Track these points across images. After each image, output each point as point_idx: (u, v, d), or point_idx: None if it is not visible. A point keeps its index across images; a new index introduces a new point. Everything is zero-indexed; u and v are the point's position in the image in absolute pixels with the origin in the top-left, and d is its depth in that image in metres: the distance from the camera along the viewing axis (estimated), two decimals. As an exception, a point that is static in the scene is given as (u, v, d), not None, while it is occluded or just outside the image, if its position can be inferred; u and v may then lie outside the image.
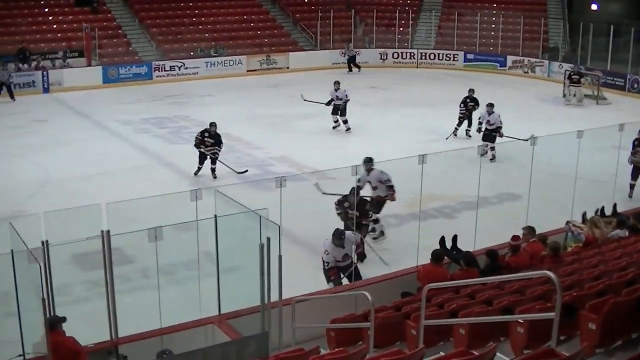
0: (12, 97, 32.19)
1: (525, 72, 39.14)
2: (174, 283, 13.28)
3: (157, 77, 37.30)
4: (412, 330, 9.28)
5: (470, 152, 21.37)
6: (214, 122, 20.69)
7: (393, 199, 16.15)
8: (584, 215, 14.81)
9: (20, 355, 9.04)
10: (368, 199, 15.86)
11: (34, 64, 35.22)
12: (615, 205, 15.80)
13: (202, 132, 20.51)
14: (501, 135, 22.12)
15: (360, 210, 15.06)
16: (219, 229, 10.33)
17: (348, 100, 25.96)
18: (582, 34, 37.01)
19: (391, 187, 16.04)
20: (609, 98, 32.41)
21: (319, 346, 9.12)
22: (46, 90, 34.30)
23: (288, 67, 40.13)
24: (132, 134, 25.94)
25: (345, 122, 25.94)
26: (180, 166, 21.38)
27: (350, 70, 39.77)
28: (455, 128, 24.27)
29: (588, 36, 36.69)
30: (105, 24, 39.12)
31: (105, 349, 9.83)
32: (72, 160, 22.36)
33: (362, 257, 13.83)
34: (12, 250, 8.90)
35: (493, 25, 42.19)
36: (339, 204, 15.50)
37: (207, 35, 40.68)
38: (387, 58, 42.13)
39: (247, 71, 39.37)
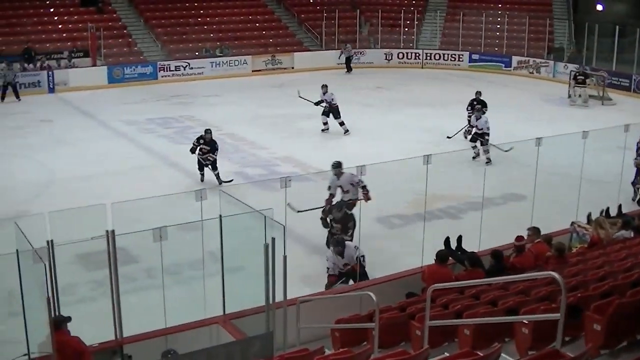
0: (17, 97, 32.26)
1: (530, 73, 39.10)
2: (179, 283, 13.30)
3: (162, 77, 37.35)
4: (416, 330, 9.27)
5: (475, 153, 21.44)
6: (209, 129, 20.44)
7: (368, 199, 15.76)
8: (589, 216, 14.78)
9: (25, 355, 9.05)
10: (352, 214, 15.30)
11: (39, 63, 35.31)
12: (620, 206, 15.78)
13: (198, 139, 20.23)
14: (483, 143, 22.09)
15: (343, 226, 14.93)
16: (223, 229, 10.32)
17: (334, 104, 25.76)
18: (588, 35, 36.92)
19: (365, 187, 15.78)
20: (614, 99, 32.36)
21: (323, 346, 9.12)
22: (51, 90, 34.39)
23: (293, 67, 40.14)
24: (137, 134, 25.96)
25: (341, 124, 25.80)
26: (185, 166, 21.36)
27: (349, 70, 39.74)
28: (466, 130, 24.03)
29: (593, 37, 36.62)
30: (110, 24, 39.19)
31: (110, 348, 9.82)
32: (77, 160, 22.38)
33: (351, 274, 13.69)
34: (17, 250, 8.91)
35: (498, 26, 42.13)
36: (325, 214, 15.45)
37: (212, 35, 40.73)
38: (392, 58, 42.14)
39: (252, 71, 39.39)
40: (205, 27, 41.35)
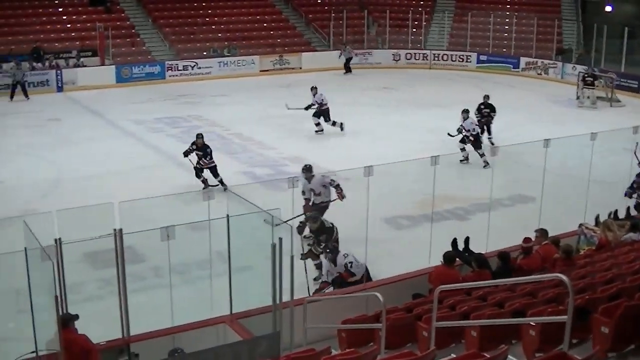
0: (26, 95, 32.34)
1: (538, 74, 39.02)
2: (186, 282, 13.32)
3: (170, 76, 37.38)
4: (423, 331, 9.28)
5: (485, 153, 21.39)
6: (200, 134, 20.06)
7: (343, 197, 15.75)
8: (597, 218, 14.76)
9: (33, 352, 9.08)
10: (331, 226, 14.62)
11: (47, 63, 35.41)
12: (628, 208, 15.77)
13: (191, 144, 19.85)
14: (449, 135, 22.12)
15: (316, 237, 14.31)
16: (231, 229, 10.34)
17: (325, 105, 25.68)
18: (596, 36, 36.84)
19: (338, 186, 15.79)
20: (622, 100, 32.27)
21: (330, 347, 9.12)
22: (60, 89, 34.46)
23: (301, 68, 40.12)
24: (145, 134, 25.99)
25: (333, 124, 25.76)
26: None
27: (347, 71, 39.66)
28: (486, 137, 23.81)
29: (602, 38, 36.53)
30: (118, 23, 39.27)
31: (117, 347, 9.84)
32: (86, 159, 22.43)
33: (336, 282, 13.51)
34: (25, 248, 8.94)
35: (506, 27, 42.06)
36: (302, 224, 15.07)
37: (220, 35, 40.76)
38: (400, 59, 42.11)
39: (260, 71, 39.39)
40: (213, 27, 41.39)
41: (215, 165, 19.64)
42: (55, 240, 8.93)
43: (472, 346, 8.68)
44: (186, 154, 19.66)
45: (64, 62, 35.93)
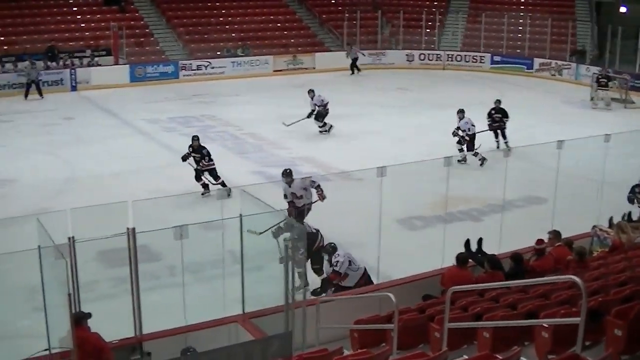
0: (40, 94, 32.48)
1: (552, 75, 38.90)
2: (199, 281, 13.32)
3: (183, 76, 37.44)
4: (435, 332, 9.27)
5: (497, 154, 21.35)
6: (196, 136, 19.83)
7: (323, 197, 15.71)
8: (611, 219, 14.71)
9: (46, 349, 9.12)
10: (314, 232, 14.19)
11: (62, 62, 35.51)
12: (642, 210, 15.72)
13: (188, 147, 19.60)
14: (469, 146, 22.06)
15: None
16: (244, 228, 10.36)
17: (326, 104, 25.62)
18: (611, 37, 36.73)
19: (319, 187, 15.74)
20: (637, 101, 32.17)
21: (342, 347, 9.13)
22: (74, 88, 34.58)
23: (314, 68, 40.11)
24: (159, 133, 26.05)
25: (321, 126, 25.72)
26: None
27: (353, 72, 39.50)
28: (496, 141, 23.69)
29: (616, 39, 36.38)
30: (132, 23, 39.34)
31: (130, 345, 9.88)
32: (99, 158, 22.50)
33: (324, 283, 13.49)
34: (39, 246, 8.98)
35: (520, 28, 41.94)
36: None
37: (233, 35, 40.78)
38: (413, 59, 42.05)
39: (274, 71, 39.42)
40: (227, 26, 41.41)
41: (215, 168, 19.38)
42: (69, 238, 8.97)
43: (485, 347, 8.68)
44: (184, 158, 19.42)
45: (78, 61, 35.99)
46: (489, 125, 23.20)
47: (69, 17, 38.91)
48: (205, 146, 19.54)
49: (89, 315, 9.14)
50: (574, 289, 9.20)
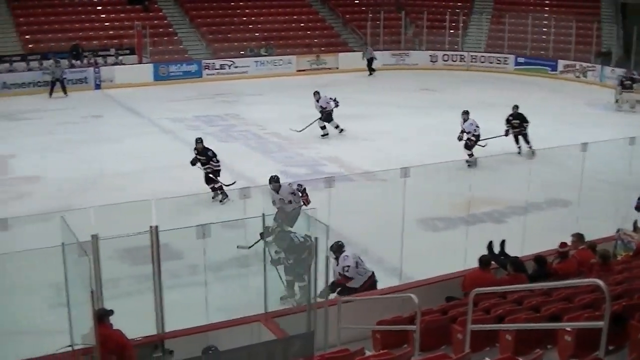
0: (65, 92, 32.72)
1: (576, 77, 38.65)
2: (221, 280, 13.34)
3: (207, 75, 37.58)
4: (458, 334, 9.24)
5: (519, 157, 21.29)
6: (200, 138, 19.41)
7: (308, 202, 15.35)
8: (635, 223, 14.60)
9: (69, 346, 9.16)
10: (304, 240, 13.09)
11: (86, 60, 35.70)
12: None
13: (194, 150, 19.24)
14: (478, 144, 21.91)
15: (286, 254, 13.09)
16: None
17: (333, 106, 25.32)
18: (636, 39, 36.48)
19: (304, 191, 15.52)
20: (662, 105, 31.93)
21: (364, 347, 9.12)
22: (98, 86, 34.80)
23: (338, 68, 40.14)
24: (183, 131, 26.09)
25: (323, 127, 25.42)
26: (230, 164, 21.46)
27: (371, 73, 39.47)
28: (518, 147, 23.38)
29: (642, 41, 36.21)
30: (156, 22, 39.52)
31: (152, 343, 9.90)
32: (123, 156, 22.58)
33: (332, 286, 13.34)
34: (63, 243, 9.04)
35: (545, 29, 41.68)
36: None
37: (257, 34, 40.88)
38: (437, 60, 41.97)
39: (297, 71, 39.48)
40: (250, 26, 41.52)
41: (219, 170, 19.04)
42: (92, 236, 8.99)
43: (507, 350, 8.64)
44: (193, 162, 19.01)
45: (102, 60, 36.19)
46: (506, 131, 22.97)
47: (93, 16, 39.12)
48: (211, 148, 19.24)
49: (111, 312, 9.18)
50: (597, 292, 9.13)
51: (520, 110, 23.36)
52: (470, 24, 43.98)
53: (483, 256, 11.81)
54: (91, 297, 8.47)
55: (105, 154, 23.04)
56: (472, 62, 41.68)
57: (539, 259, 11.78)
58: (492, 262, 12.00)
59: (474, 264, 11.71)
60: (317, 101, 25.36)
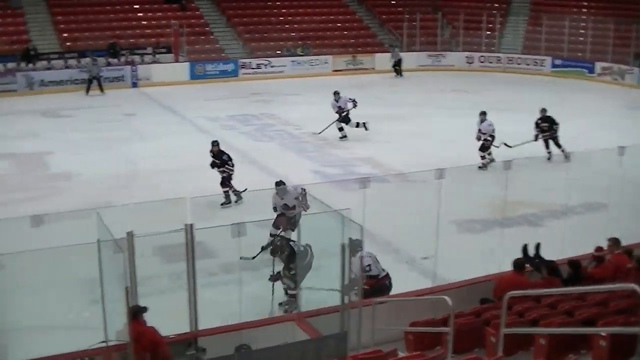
0: (102, 90, 32.98)
1: (614, 79, 38.25)
2: (256, 279, 13.37)
3: (243, 74, 37.72)
4: (491, 337, 9.20)
5: (557, 159, 21.14)
6: (216, 141, 18.82)
7: (307, 207, 14.79)
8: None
9: (103, 342, 9.23)
10: (303, 249, 12.75)
11: (123, 59, 35.96)
12: None
13: (209, 152, 18.71)
14: (494, 145, 21.74)
15: (286, 265, 12.78)
16: (301, 227, 10.38)
17: (351, 107, 24.96)
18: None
19: (305, 196, 15.03)
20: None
21: (397, 349, 9.12)
22: (134, 84, 35.06)
23: (374, 68, 40.10)
24: (218, 130, 26.18)
25: (340, 129, 25.12)
26: (265, 164, 21.52)
27: (399, 74, 39.26)
28: (548, 152, 23.08)
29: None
30: (193, 21, 39.71)
31: (185, 340, 9.95)
32: (159, 154, 22.71)
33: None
34: (98, 240, 9.10)
35: (582, 31, 41.31)
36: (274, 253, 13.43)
37: (293, 34, 40.96)
38: (473, 62, 41.80)
39: (333, 71, 39.47)
40: (287, 25, 41.62)
41: (229, 175, 18.44)
42: (127, 233, 9.05)
43: (541, 354, 8.60)
44: (212, 165, 18.57)
45: (139, 58, 36.46)
46: (535, 136, 22.66)
47: (130, 15, 39.46)
48: (226, 152, 18.70)
49: (145, 309, 9.22)
50: (633, 297, 9.06)
51: (556, 113, 23.13)
52: (507, 25, 43.74)
53: (517, 259, 11.75)
54: (126, 294, 8.55)
55: (141, 151, 23.19)
56: (508, 63, 41.43)
57: (574, 263, 11.70)
58: (527, 266, 11.95)
59: (509, 267, 11.65)
60: (336, 101, 25.08)
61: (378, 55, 40.67)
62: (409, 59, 40.44)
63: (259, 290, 12.71)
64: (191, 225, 9.52)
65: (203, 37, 39.25)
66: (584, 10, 43.20)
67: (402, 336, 10.41)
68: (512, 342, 8.87)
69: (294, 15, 42.33)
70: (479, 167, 20.87)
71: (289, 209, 15.20)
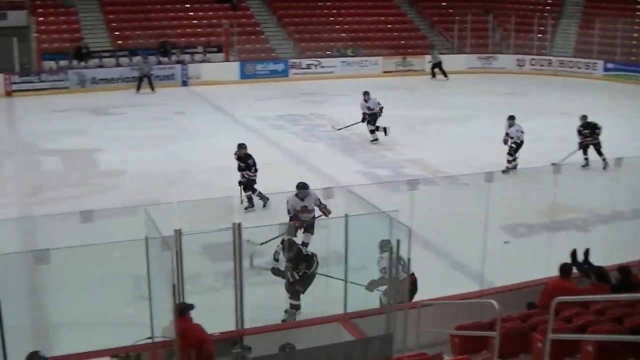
0: (152, 88, 33.27)
1: (668, 84, 37.77)
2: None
3: (293, 74, 37.83)
4: (538, 342, 9.12)
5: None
6: (243, 144, 18.22)
7: (329, 212, 14.52)
8: None
9: (149, 338, 9.30)
10: (310, 255, 12.70)
11: (174, 57, 36.23)
12: None
13: (234, 154, 18.22)
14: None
15: (294, 266, 12.40)
16: (349, 228, 10.36)
17: (381, 108, 24.67)
18: None
19: (321, 201, 14.75)
20: None
21: (442, 352, 9.08)
22: (184, 83, 35.32)
23: (424, 70, 39.89)
24: (267, 130, 26.29)
25: (372, 132, 24.76)
26: (313, 164, 21.54)
27: (434, 76, 38.96)
28: (585, 158, 22.66)
29: None
30: (244, 20, 39.92)
31: (231, 338, 9.98)
32: (208, 153, 22.82)
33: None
34: (146, 237, 9.16)
35: (635, 34, 40.87)
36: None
37: (343, 35, 40.97)
38: (524, 64, 41.46)
39: (383, 72, 39.43)
40: (337, 26, 41.64)
41: (251, 180, 17.85)
42: (175, 230, 9.10)
43: (588, 361, 8.51)
44: (239, 169, 18.02)
45: (189, 57, 36.73)
46: (579, 143, 22.20)
47: (181, 14, 39.76)
48: (252, 156, 18.15)
49: (192, 306, 9.26)
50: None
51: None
52: (558, 28, 43.33)
53: (564, 264, 11.61)
54: (173, 291, 8.59)
55: (189, 150, 23.34)
56: (559, 66, 41.03)
57: (623, 269, 11.54)
58: (573, 271, 11.81)
59: (556, 272, 11.54)
60: (366, 101, 24.80)
61: (428, 57, 40.45)
62: (458, 61, 40.35)
63: (307, 290, 12.70)
64: (239, 224, 9.54)
65: (253, 37, 39.43)
66: (638, 13, 42.60)
67: (447, 339, 10.36)
68: (558, 348, 8.79)
69: (344, 16, 42.35)
70: (503, 172, 20.50)
71: (307, 211, 14.90)
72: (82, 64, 34.67)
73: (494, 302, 9.18)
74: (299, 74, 37.87)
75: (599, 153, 21.68)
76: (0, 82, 33.05)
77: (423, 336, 10.67)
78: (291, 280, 12.09)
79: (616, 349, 8.52)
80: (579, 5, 44.19)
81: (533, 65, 41.42)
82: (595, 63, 40.21)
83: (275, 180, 19.31)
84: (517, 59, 41.60)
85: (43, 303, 12.93)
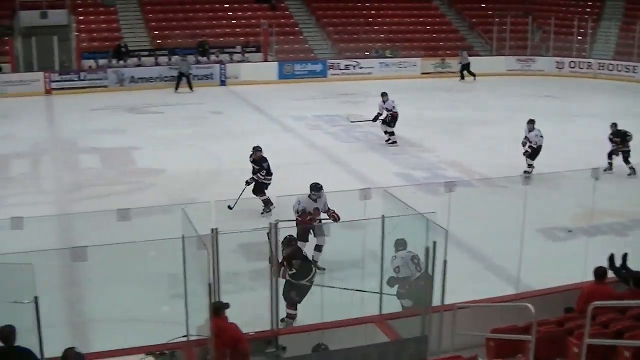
0: (190, 88, 33.47)
1: None
2: (338, 279, 13.38)
3: (331, 75, 37.85)
4: (574, 347, 9.05)
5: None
6: (259, 146, 17.94)
7: (339, 218, 14.30)
8: None
9: (184, 336, 9.35)
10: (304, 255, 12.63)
11: (212, 57, 36.39)
12: None
13: (249, 157, 17.97)
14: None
15: (288, 262, 12.04)
16: (385, 229, 10.35)
17: (396, 111, 24.45)
18: None
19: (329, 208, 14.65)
20: None
21: (477, 355, 9.04)
22: (223, 83, 35.50)
23: (462, 72, 39.79)
24: (304, 130, 26.34)
25: (392, 133, 24.53)
26: (350, 164, 21.53)
27: (463, 78, 38.76)
28: (609, 162, 22.15)
29: None
30: (282, 21, 40.04)
31: (266, 338, 10.01)
32: (245, 152, 22.60)
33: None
34: (183, 236, 9.21)
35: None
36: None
37: (382, 36, 40.95)
38: (563, 67, 41.12)
39: (421, 74, 39.35)
40: (376, 27, 41.61)
41: (264, 183, 17.51)
42: (212, 229, 9.14)
43: (625, 366, 8.43)
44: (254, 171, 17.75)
45: (227, 56, 36.90)
46: (611, 151, 21.84)
47: (220, 14, 40.03)
48: (267, 159, 17.75)
49: (227, 305, 9.29)
50: None
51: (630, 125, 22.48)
52: (599, 30, 42.93)
53: (598, 268, 11.48)
54: (208, 290, 8.63)
55: (226, 149, 23.39)
56: (599, 69, 40.65)
57: (662, 275, 11.43)
58: (607, 275, 11.69)
59: (592, 277, 11.45)
60: (384, 102, 24.61)
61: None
62: (497, 63, 40.15)
63: (340, 291, 12.69)
64: (276, 223, 9.57)
65: (292, 37, 39.53)
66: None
67: (482, 342, 10.30)
68: (595, 353, 8.71)
69: (383, 17, 42.33)
70: (526, 177, 20.21)
71: (318, 213, 14.64)
72: (121, 63, 35.02)
73: (529, 305, 9.12)
74: (337, 74, 37.88)
75: (627, 161, 21.43)
76: (40, 80, 33.40)
77: (458, 338, 10.62)
78: (283, 276, 11.71)
79: (654, 355, 8.45)
80: (620, 7, 43.75)
81: (572, 67, 41.05)
82: (635, 66, 39.74)
83: (312, 180, 19.29)
84: (557, 62, 41.27)
85: (79, 300, 13.07)
